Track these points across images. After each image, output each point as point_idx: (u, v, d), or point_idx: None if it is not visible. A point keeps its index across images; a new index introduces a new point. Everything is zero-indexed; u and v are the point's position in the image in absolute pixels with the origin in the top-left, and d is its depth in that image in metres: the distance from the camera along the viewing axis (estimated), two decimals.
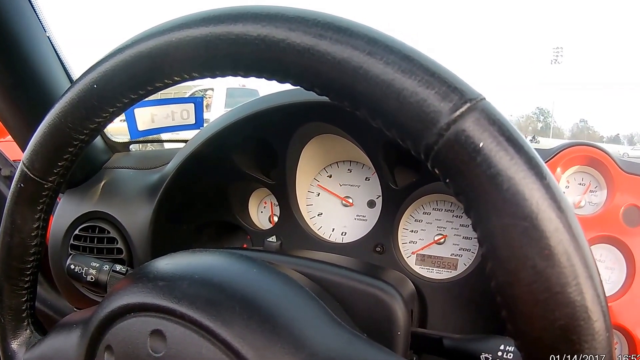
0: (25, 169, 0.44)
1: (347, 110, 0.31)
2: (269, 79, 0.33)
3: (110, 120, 0.42)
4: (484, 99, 0.28)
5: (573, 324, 0.25)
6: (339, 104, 0.31)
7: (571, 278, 0.25)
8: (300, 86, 0.32)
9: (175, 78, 0.36)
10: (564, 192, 0.79)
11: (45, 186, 0.45)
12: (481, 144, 0.26)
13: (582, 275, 0.25)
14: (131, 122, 0.95)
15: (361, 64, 0.28)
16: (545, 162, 0.77)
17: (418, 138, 0.28)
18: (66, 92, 0.41)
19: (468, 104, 0.27)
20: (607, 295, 0.73)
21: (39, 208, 0.47)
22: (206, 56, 0.33)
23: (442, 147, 0.27)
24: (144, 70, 0.36)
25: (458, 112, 0.27)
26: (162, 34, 0.35)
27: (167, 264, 0.42)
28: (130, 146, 1.10)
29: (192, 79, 0.36)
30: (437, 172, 0.29)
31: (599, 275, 0.27)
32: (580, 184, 0.81)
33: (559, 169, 0.78)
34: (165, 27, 0.35)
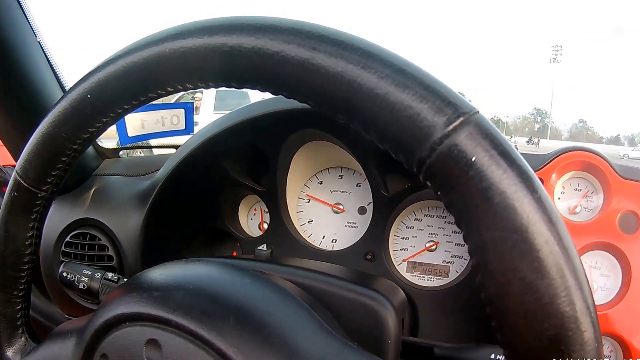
0: (19, 178, 0.44)
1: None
2: (263, 90, 0.33)
3: (104, 129, 0.42)
4: (478, 112, 0.28)
5: (562, 334, 0.26)
6: (333, 117, 0.31)
7: (560, 289, 0.26)
8: (295, 99, 0.32)
9: (169, 89, 0.36)
10: (559, 198, 0.79)
11: (39, 195, 0.45)
12: (474, 158, 0.26)
13: (572, 287, 0.26)
14: (121, 128, 0.95)
15: (355, 78, 0.28)
16: (541, 168, 0.77)
17: (411, 152, 0.28)
18: (59, 101, 0.40)
19: (461, 118, 0.27)
20: (602, 302, 0.74)
21: (32, 217, 0.47)
22: (199, 68, 0.33)
23: (434, 161, 0.27)
24: (138, 81, 0.36)
25: (451, 127, 0.27)
26: (155, 44, 0.35)
27: (161, 273, 0.43)
28: (120, 152, 1.10)
29: (186, 89, 0.36)
30: (429, 184, 0.29)
31: (589, 286, 0.27)
32: (576, 190, 0.80)
33: (554, 175, 0.78)
34: (159, 37, 0.35)
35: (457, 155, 0.27)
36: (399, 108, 0.28)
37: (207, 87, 0.35)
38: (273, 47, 0.30)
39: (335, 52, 0.29)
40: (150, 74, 0.35)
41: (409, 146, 0.28)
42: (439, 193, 0.28)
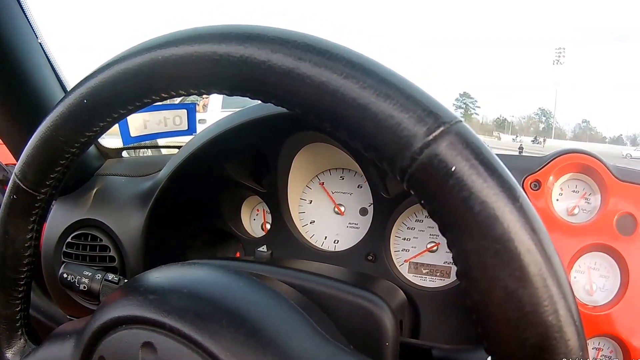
0: (18, 181, 0.45)
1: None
2: (253, 98, 0.33)
3: (102, 132, 0.42)
4: (460, 121, 0.28)
5: (545, 343, 0.26)
6: (319, 126, 0.31)
7: (543, 298, 0.26)
8: (283, 107, 0.32)
9: (163, 95, 0.36)
10: (557, 200, 0.79)
11: (38, 197, 0.45)
12: (453, 168, 0.26)
13: (555, 296, 0.26)
14: (124, 128, 0.95)
15: (338, 88, 0.29)
16: (538, 170, 0.77)
17: (393, 161, 0.28)
18: (57, 105, 0.41)
19: (442, 128, 0.27)
20: (602, 303, 0.74)
21: (31, 219, 0.47)
22: (192, 75, 0.34)
23: (415, 171, 0.27)
24: (132, 87, 0.37)
25: (431, 136, 0.27)
26: (148, 51, 0.35)
27: (157, 277, 0.43)
28: (123, 152, 1.10)
29: (179, 95, 0.36)
30: (412, 193, 0.29)
31: (573, 294, 0.27)
32: (574, 191, 0.80)
33: (551, 177, 0.78)
34: (152, 45, 0.35)
35: (437, 165, 0.27)
36: (381, 118, 0.28)
37: (200, 94, 0.36)
38: (260, 56, 0.30)
39: (319, 61, 0.29)
40: (144, 81, 0.36)
41: (391, 156, 0.28)
42: (422, 202, 0.29)
